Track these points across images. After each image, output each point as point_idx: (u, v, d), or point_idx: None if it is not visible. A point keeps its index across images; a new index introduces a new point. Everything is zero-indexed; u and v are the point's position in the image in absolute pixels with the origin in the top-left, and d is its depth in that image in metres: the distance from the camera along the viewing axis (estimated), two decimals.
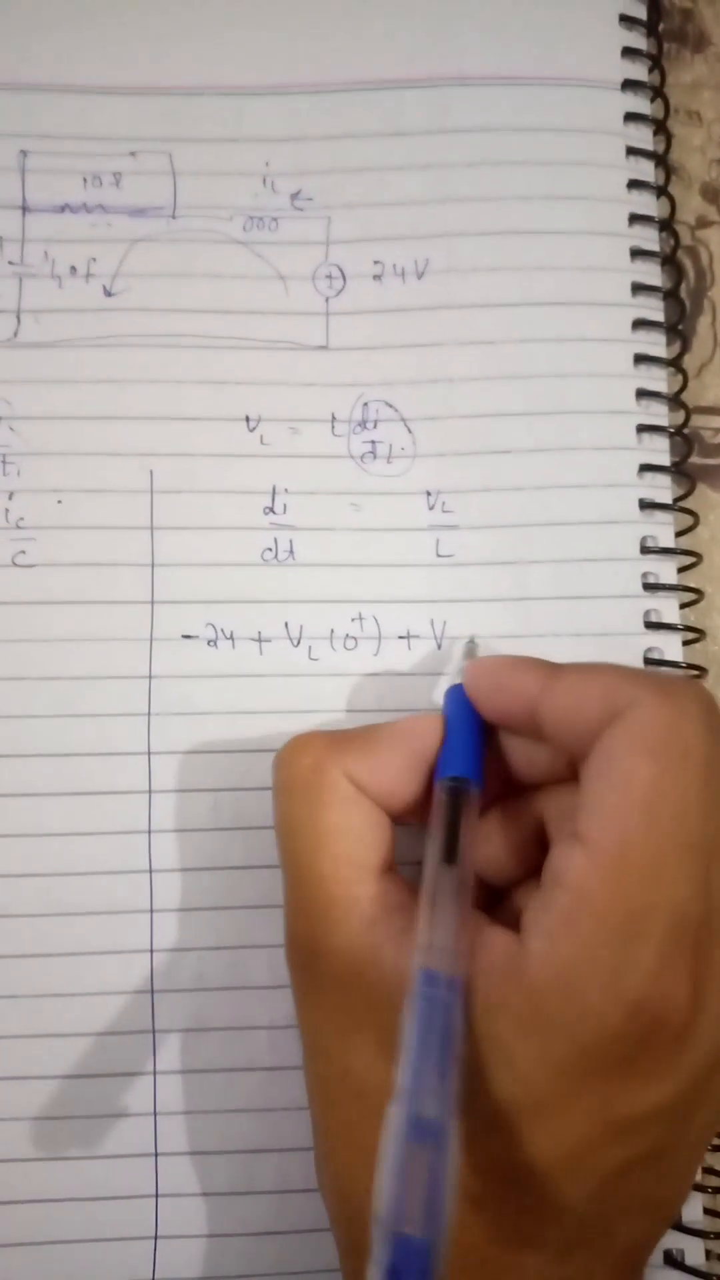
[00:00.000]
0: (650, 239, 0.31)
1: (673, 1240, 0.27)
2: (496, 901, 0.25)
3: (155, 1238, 0.27)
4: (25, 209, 0.31)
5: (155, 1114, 0.28)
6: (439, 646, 0.29)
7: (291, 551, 0.30)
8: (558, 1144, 0.20)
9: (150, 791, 0.28)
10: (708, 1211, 0.27)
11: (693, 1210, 0.27)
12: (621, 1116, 0.20)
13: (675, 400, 0.31)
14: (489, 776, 0.25)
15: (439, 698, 0.29)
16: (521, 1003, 0.20)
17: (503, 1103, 0.20)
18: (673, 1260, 0.27)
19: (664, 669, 0.29)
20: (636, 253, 0.31)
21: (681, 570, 0.30)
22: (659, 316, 0.31)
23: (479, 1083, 0.20)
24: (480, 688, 0.25)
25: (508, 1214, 0.21)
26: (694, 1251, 0.27)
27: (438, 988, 0.20)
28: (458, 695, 0.26)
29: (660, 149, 0.32)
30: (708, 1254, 0.27)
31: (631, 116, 0.32)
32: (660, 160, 0.32)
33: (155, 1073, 0.28)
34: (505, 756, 0.25)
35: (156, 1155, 0.28)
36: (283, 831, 0.24)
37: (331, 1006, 0.23)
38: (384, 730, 0.25)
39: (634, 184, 0.31)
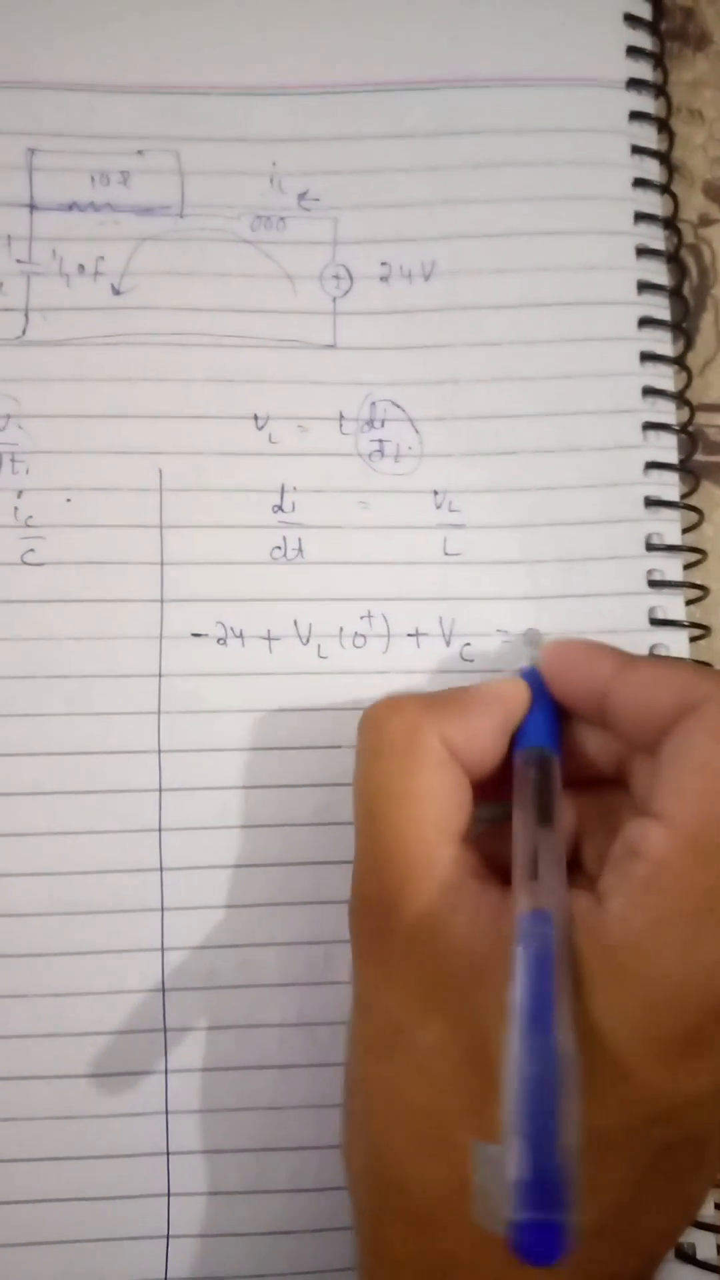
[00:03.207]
0: (655, 237, 0.31)
1: (685, 1234, 0.27)
2: None
3: (167, 1237, 0.27)
4: (33, 207, 0.31)
5: (167, 1112, 0.28)
6: (447, 644, 0.30)
7: (300, 549, 0.30)
8: (608, 1116, 0.20)
9: (160, 789, 0.28)
10: (719, 1207, 0.28)
11: (704, 1205, 0.27)
12: (672, 1095, 0.21)
13: (680, 398, 0.31)
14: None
15: None
16: (598, 957, 0.21)
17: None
18: (684, 1255, 0.27)
19: None
20: (642, 251, 0.31)
21: (687, 567, 0.30)
22: (665, 314, 0.31)
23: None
24: (556, 668, 0.26)
25: None
26: (705, 1246, 0.27)
27: (545, 924, 0.20)
28: (532, 678, 0.26)
29: (664, 147, 0.32)
30: (719, 1249, 0.27)
31: (636, 115, 0.32)
32: (664, 158, 0.32)
33: (167, 1071, 0.28)
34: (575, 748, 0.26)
35: (168, 1154, 0.28)
36: (369, 790, 0.24)
37: (396, 964, 0.23)
38: (475, 694, 0.25)
39: (639, 182, 0.31)
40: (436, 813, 0.23)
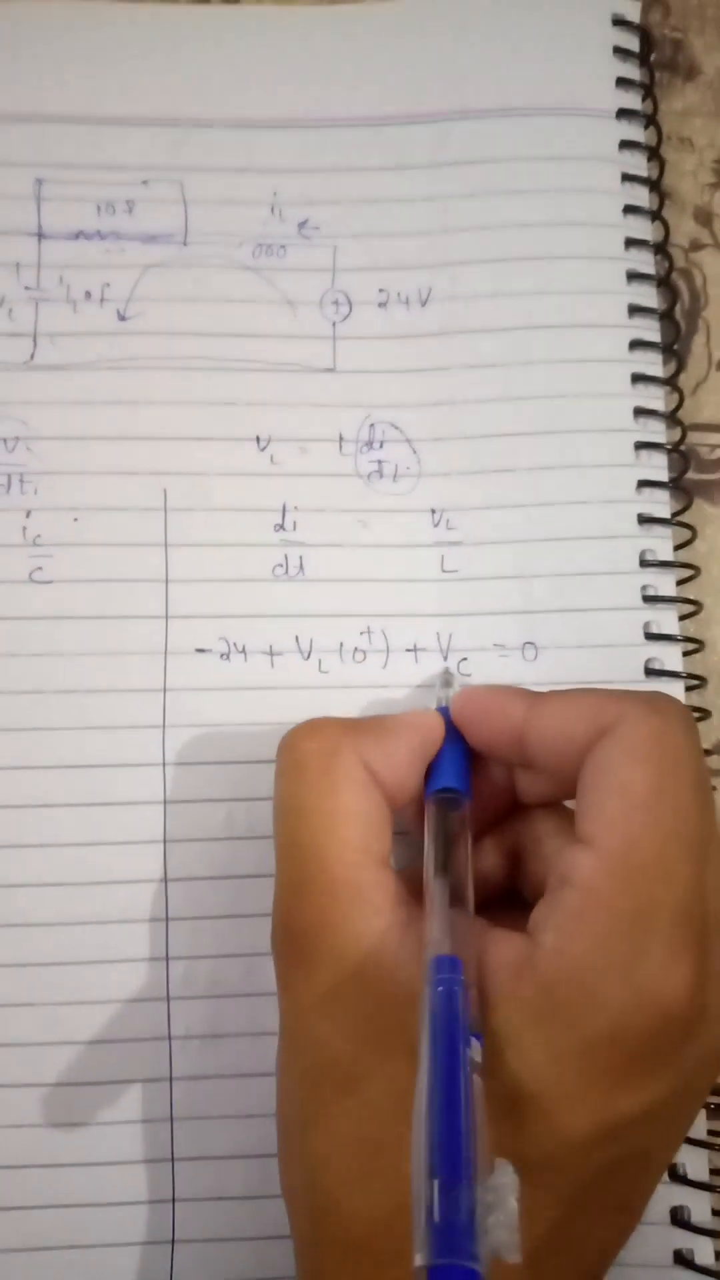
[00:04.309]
0: (646, 262, 0.32)
1: (682, 1240, 0.28)
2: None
3: (172, 1241, 0.28)
4: (41, 235, 0.32)
5: (172, 1119, 0.28)
6: (444, 659, 0.30)
7: (301, 567, 0.30)
8: (555, 1139, 0.20)
9: (165, 802, 0.29)
10: (716, 1213, 0.28)
11: (701, 1210, 0.28)
12: (620, 1114, 0.21)
13: (672, 418, 0.32)
14: (485, 800, 0.26)
15: None
16: (534, 995, 0.21)
17: (507, 1094, 0.20)
18: (683, 1260, 0.27)
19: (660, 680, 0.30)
20: (633, 275, 0.32)
21: (680, 583, 0.31)
22: (655, 337, 0.32)
23: (487, 1073, 0.20)
24: (467, 717, 0.26)
25: None
26: (703, 1251, 0.28)
27: (452, 970, 0.20)
28: (444, 717, 0.26)
29: (654, 175, 0.33)
30: (717, 1255, 0.28)
31: (626, 144, 0.33)
32: (654, 186, 0.33)
33: (171, 1079, 0.28)
34: (501, 782, 0.26)
35: (173, 1160, 0.28)
36: (288, 811, 0.24)
37: (324, 992, 0.22)
38: (393, 721, 0.26)
39: (629, 209, 0.32)
40: (359, 834, 0.23)
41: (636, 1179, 0.23)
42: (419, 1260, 0.16)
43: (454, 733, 0.26)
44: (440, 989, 0.20)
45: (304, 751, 0.24)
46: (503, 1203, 0.16)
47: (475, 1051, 0.19)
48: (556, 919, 0.21)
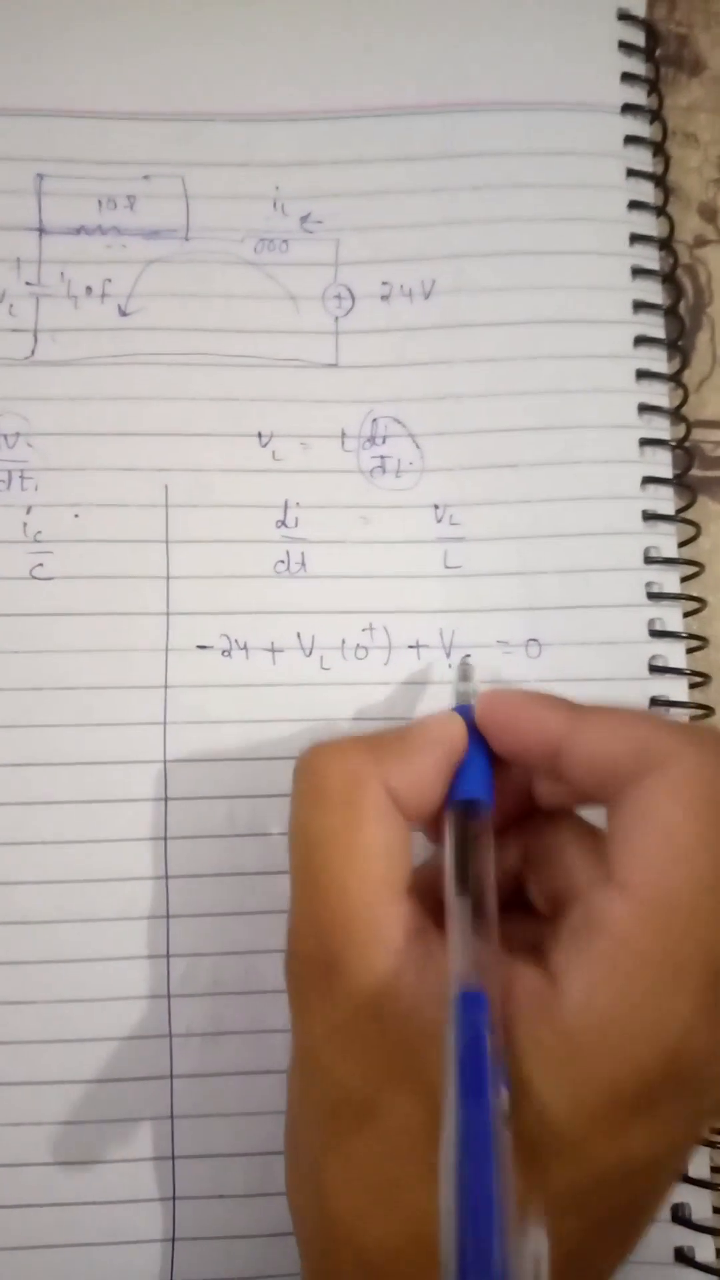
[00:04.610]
0: (650, 258, 0.32)
1: (682, 1237, 0.27)
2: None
3: (173, 1239, 0.28)
4: (42, 230, 0.31)
5: (172, 1117, 0.28)
6: (447, 655, 0.30)
7: (303, 563, 0.30)
8: (568, 1182, 0.20)
9: (166, 799, 0.29)
10: (717, 1210, 0.28)
11: (702, 1208, 0.28)
12: (639, 1152, 0.20)
13: (676, 414, 0.31)
14: (503, 798, 0.25)
15: (445, 707, 0.29)
16: (557, 1045, 0.20)
17: (526, 1132, 0.20)
18: (683, 1257, 0.27)
19: (686, 719, 0.30)
20: (637, 271, 0.32)
21: (684, 580, 0.31)
22: (660, 333, 0.32)
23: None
24: (496, 724, 0.25)
25: None
26: (704, 1249, 0.27)
27: (478, 1008, 0.20)
28: (465, 717, 0.25)
29: (659, 170, 0.33)
30: (718, 1252, 0.28)
31: (631, 139, 0.32)
32: (659, 181, 0.33)
33: (172, 1076, 0.28)
34: (508, 783, 0.26)
35: (174, 1158, 0.28)
36: (307, 840, 0.23)
37: (339, 1026, 0.22)
38: (416, 735, 0.24)
39: (634, 205, 0.32)
40: (381, 869, 0.22)
41: (649, 1206, 0.22)
42: None
43: (475, 735, 0.25)
44: (469, 1033, 0.19)
45: (326, 778, 0.23)
46: (536, 1265, 0.16)
47: (504, 1100, 0.19)
48: (584, 964, 0.21)
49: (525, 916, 0.24)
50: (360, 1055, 0.22)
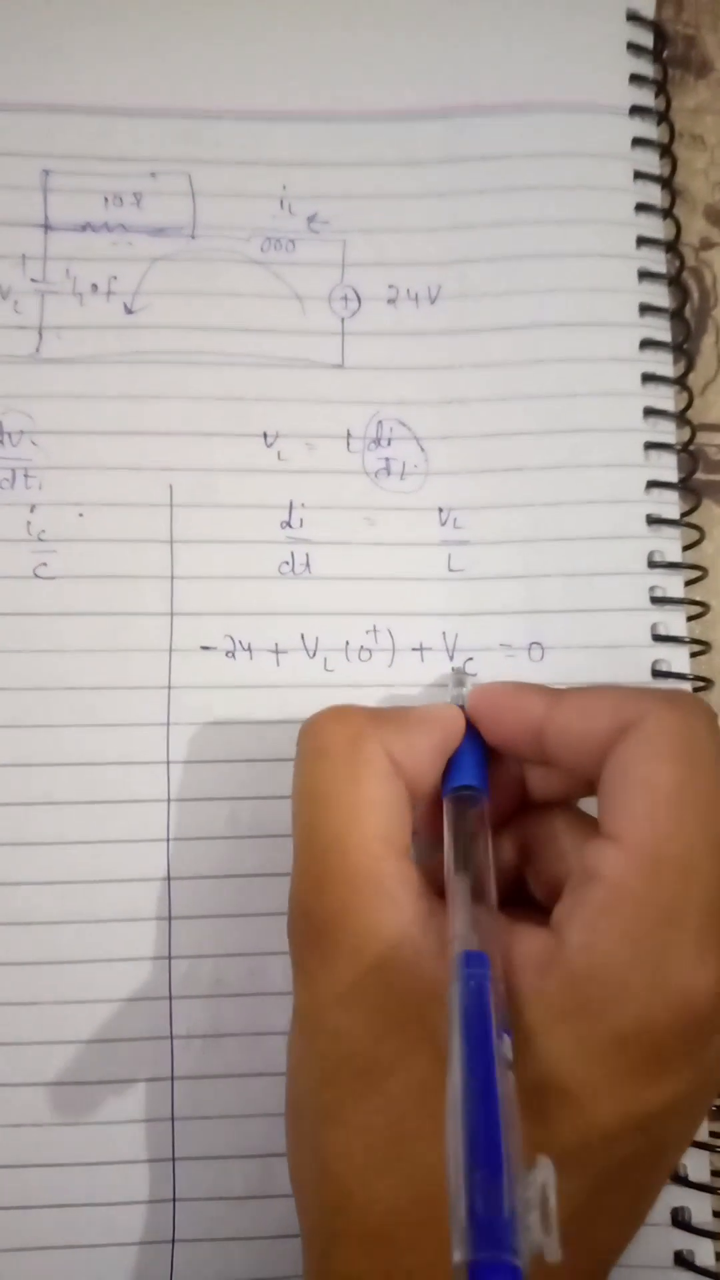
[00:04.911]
0: (657, 261, 0.32)
1: (682, 1241, 0.28)
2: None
3: (172, 1241, 0.28)
4: (47, 227, 0.31)
5: (173, 1119, 0.28)
6: (451, 658, 0.30)
7: (308, 565, 0.30)
8: (580, 1130, 0.20)
9: (169, 800, 0.29)
10: (717, 1214, 0.28)
11: (702, 1211, 0.28)
12: (645, 1106, 0.21)
13: (681, 418, 0.31)
14: (494, 797, 0.26)
15: None
16: (560, 992, 0.21)
17: (533, 1085, 0.20)
18: (683, 1261, 0.27)
19: (667, 682, 0.30)
20: (644, 274, 0.32)
21: (688, 584, 0.31)
22: (666, 336, 0.32)
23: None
24: (484, 713, 0.26)
25: None
26: (704, 1253, 0.28)
27: (480, 966, 0.20)
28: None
29: (666, 172, 0.33)
30: (718, 1256, 0.28)
31: (639, 141, 0.32)
32: (665, 183, 0.33)
33: (173, 1078, 0.28)
34: (504, 780, 0.26)
35: (174, 1160, 0.28)
36: (310, 798, 0.24)
37: (343, 983, 0.22)
38: (416, 712, 0.25)
39: (641, 207, 0.32)
40: (381, 824, 0.23)
41: (652, 1172, 0.23)
42: (458, 1256, 0.16)
43: (471, 730, 0.26)
44: (471, 984, 0.19)
45: (328, 737, 0.24)
46: (544, 1200, 0.16)
47: (506, 1047, 0.19)
48: (583, 914, 0.21)
49: (526, 911, 0.24)
50: (363, 1012, 0.22)
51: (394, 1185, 0.21)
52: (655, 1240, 0.28)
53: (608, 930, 0.21)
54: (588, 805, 0.26)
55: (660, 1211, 0.28)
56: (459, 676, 0.29)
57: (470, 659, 0.30)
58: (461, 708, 0.26)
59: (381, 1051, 0.22)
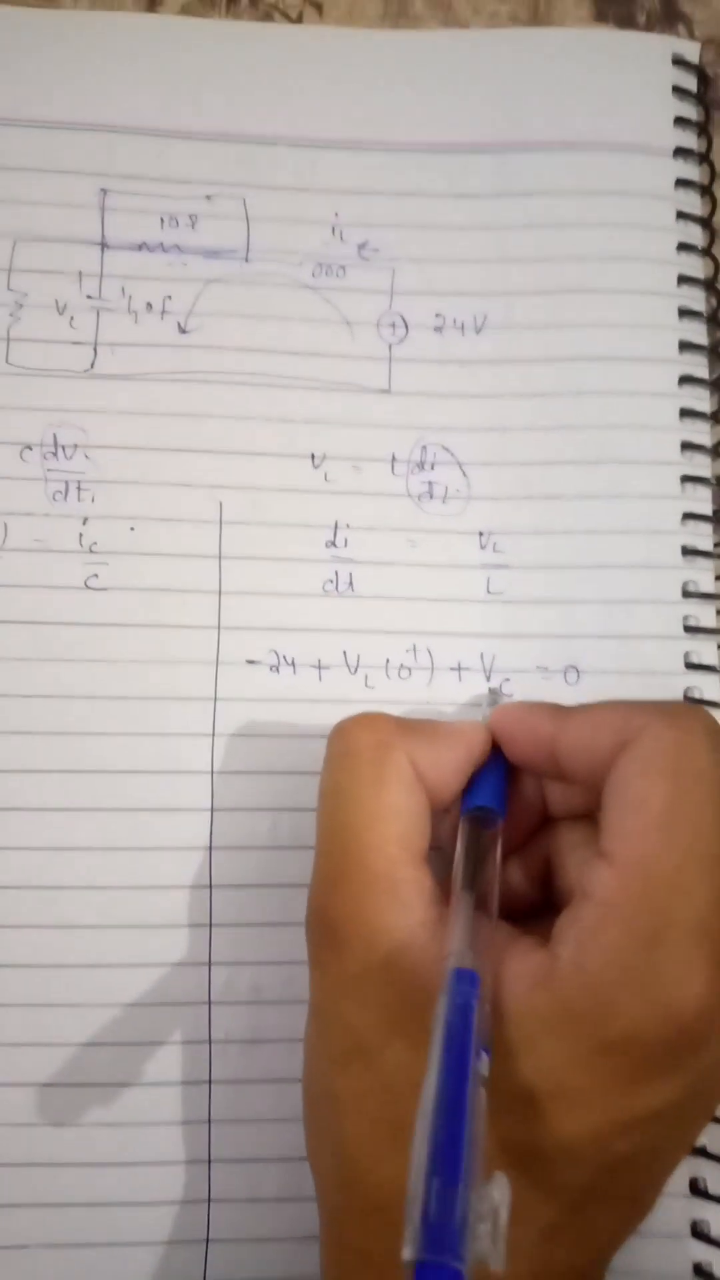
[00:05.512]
0: (697, 299, 0.33)
1: (702, 1253, 0.28)
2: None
3: (207, 1240, 0.28)
4: (104, 246, 0.32)
5: (210, 1121, 0.29)
6: (488, 678, 0.31)
7: (351, 584, 0.31)
8: (568, 1133, 0.21)
9: (212, 810, 0.30)
10: None
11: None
12: (632, 1112, 0.21)
13: (717, 452, 0.32)
14: (518, 813, 0.27)
15: None
16: (550, 1004, 0.22)
17: (524, 1089, 0.21)
18: (702, 1273, 0.28)
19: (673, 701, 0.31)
20: (684, 312, 0.33)
21: None
22: (704, 373, 0.33)
23: (503, 1073, 0.21)
24: (503, 731, 0.27)
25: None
26: None
27: (470, 984, 0.21)
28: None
29: (706, 213, 0.34)
30: None
31: (681, 182, 0.33)
32: (706, 224, 0.34)
33: (210, 1082, 0.29)
34: (534, 796, 0.27)
35: (210, 1162, 0.29)
36: (333, 798, 0.25)
37: (352, 976, 0.23)
38: (444, 726, 0.26)
39: (683, 246, 0.33)
40: (401, 830, 0.24)
41: (646, 1173, 0.24)
42: (408, 1254, 0.17)
43: (495, 750, 0.27)
44: (458, 1000, 0.20)
45: (356, 741, 0.25)
46: (495, 1214, 0.17)
47: (484, 1065, 0.20)
48: (574, 932, 0.22)
49: (545, 925, 0.25)
50: (368, 1004, 0.23)
51: (398, 1165, 0.22)
52: (675, 1252, 0.28)
53: (596, 949, 0.22)
54: None
55: (680, 1223, 0.28)
56: (493, 696, 0.30)
57: (507, 679, 0.31)
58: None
59: (386, 1045, 0.23)
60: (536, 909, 0.27)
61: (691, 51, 0.34)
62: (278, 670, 0.30)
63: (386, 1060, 0.23)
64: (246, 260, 0.32)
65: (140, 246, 0.32)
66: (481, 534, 0.32)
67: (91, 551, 0.30)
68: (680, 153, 0.33)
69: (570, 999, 0.21)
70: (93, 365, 0.31)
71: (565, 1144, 0.21)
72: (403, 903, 0.23)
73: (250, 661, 0.30)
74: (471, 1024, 0.20)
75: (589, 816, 0.27)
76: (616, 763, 0.23)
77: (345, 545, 0.31)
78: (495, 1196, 0.17)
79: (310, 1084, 0.25)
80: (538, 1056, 0.21)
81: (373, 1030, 0.23)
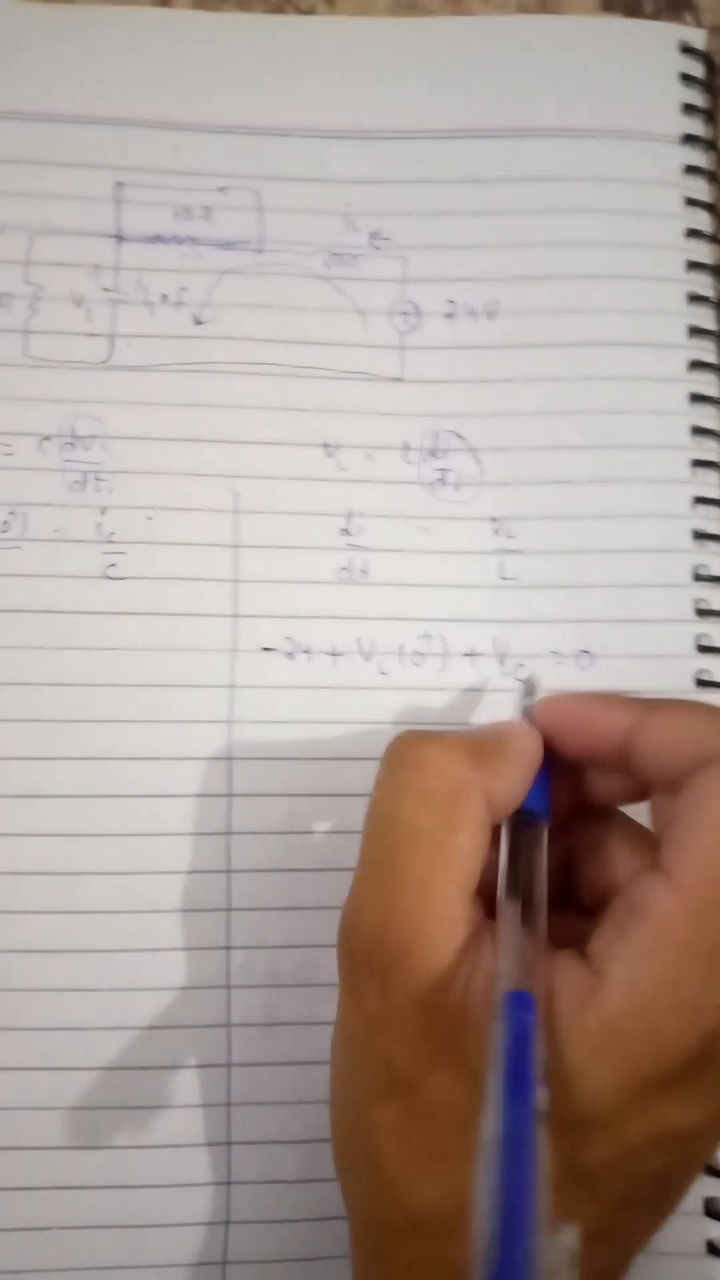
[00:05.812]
0: (706, 285, 0.33)
1: (716, 1230, 0.29)
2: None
3: (227, 1222, 0.29)
4: (120, 238, 0.32)
5: (229, 1104, 0.29)
6: (501, 664, 0.31)
7: (365, 571, 0.31)
8: (609, 1150, 0.21)
9: (230, 795, 0.30)
10: None
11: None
12: (671, 1129, 0.21)
13: None
14: (555, 796, 0.26)
15: (499, 714, 0.30)
16: (598, 1029, 0.21)
17: (566, 1111, 0.21)
18: (716, 1251, 0.28)
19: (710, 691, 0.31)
20: (693, 298, 0.33)
21: None
22: (712, 358, 0.33)
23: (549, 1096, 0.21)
24: (562, 726, 0.25)
25: None
26: None
27: (526, 1010, 0.20)
28: None
29: (715, 199, 0.34)
30: None
31: (690, 169, 0.34)
32: (715, 210, 0.34)
33: (229, 1065, 0.29)
34: (567, 780, 0.26)
35: (229, 1144, 0.29)
36: (398, 831, 0.23)
37: (394, 1008, 0.23)
38: (509, 748, 0.25)
39: (691, 233, 0.33)
40: (466, 874, 0.23)
41: (681, 1181, 0.23)
42: None
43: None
44: (517, 1029, 0.20)
45: (431, 775, 0.24)
46: (565, 1268, 0.17)
47: (542, 1099, 0.19)
48: (626, 953, 0.21)
49: (571, 912, 0.25)
50: (414, 1043, 0.22)
51: (437, 1189, 0.22)
52: (689, 1229, 0.29)
53: (649, 972, 0.21)
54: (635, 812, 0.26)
55: (693, 1202, 0.29)
56: (530, 685, 0.29)
57: (520, 665, 0.31)
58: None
59: (427, 1076, 0.22)
60: (554, 895, 0.27)
61: (698, 38, 0.34)
62: (293, 657, 0.31)
63: (427, 1092, 0.22)
64: (260, 251, 0.33)
65: (155, 239, 0.32)
66: (494, 520, 0.32)
67: (109, 541, 0.31)
68: (688, 139, 0.34)
69: (619, 1022, 0.21)
70: (109, 357, 0.32)
71: (605, 1161, 0.21)
72: (456, 943, 0.22)
73: (266, 649, 0.31)
74: (531, 1056, 0.19)
75: (618, 810, 0.26)
76: (697, 777, 0.22)
77: (359, 533, 0.31)
78: (568, 1248, 0.17)
79: (341, 1112, 0.25)
80: (583, 1080, 0.21)
81: (412, 1062, 0.22)
